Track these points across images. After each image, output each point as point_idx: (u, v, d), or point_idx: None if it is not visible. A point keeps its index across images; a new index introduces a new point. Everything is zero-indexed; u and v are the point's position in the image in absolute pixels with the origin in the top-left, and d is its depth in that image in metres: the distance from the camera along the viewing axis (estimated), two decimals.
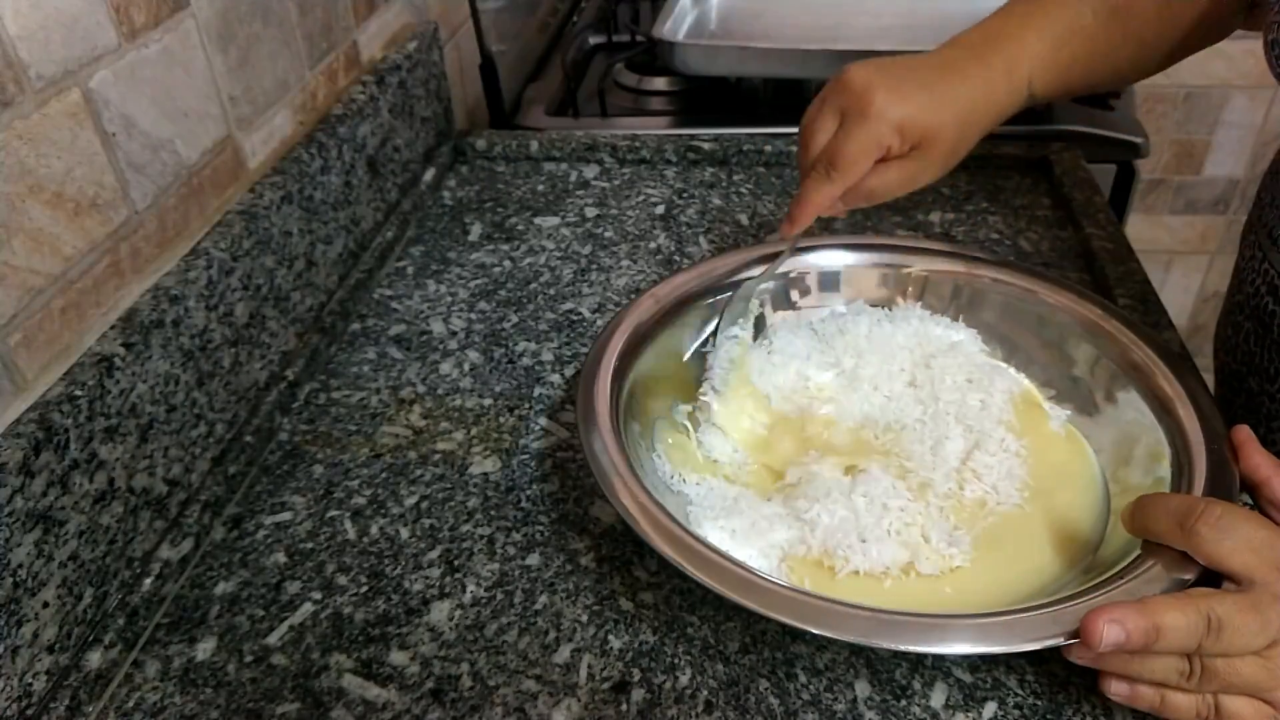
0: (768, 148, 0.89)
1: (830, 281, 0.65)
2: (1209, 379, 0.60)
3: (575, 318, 0.71)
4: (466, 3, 1.02)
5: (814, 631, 0.42)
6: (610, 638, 0.49)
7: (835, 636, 0.42)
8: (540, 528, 0.55)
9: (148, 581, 0.51)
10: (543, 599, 0.51)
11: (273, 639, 0.49)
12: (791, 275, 0.64)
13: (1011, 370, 0.60)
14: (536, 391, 0.65)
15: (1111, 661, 0.41)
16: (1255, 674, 0.39)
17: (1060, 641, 0.41)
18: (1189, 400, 0.51)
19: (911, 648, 0.42)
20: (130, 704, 0.47)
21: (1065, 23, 0.58)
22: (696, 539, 0.45)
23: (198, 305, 0.56)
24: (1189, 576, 0.42)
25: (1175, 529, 0.42)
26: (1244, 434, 0.48)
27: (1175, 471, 0.49)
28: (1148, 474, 0.51)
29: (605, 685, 0.47)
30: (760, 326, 0.63)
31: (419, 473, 0.59)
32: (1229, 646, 0.39)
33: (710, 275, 0.63)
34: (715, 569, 0.44)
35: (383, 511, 0.56)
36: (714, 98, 1.06)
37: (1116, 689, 0.41)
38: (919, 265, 0.64)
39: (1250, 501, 0.48)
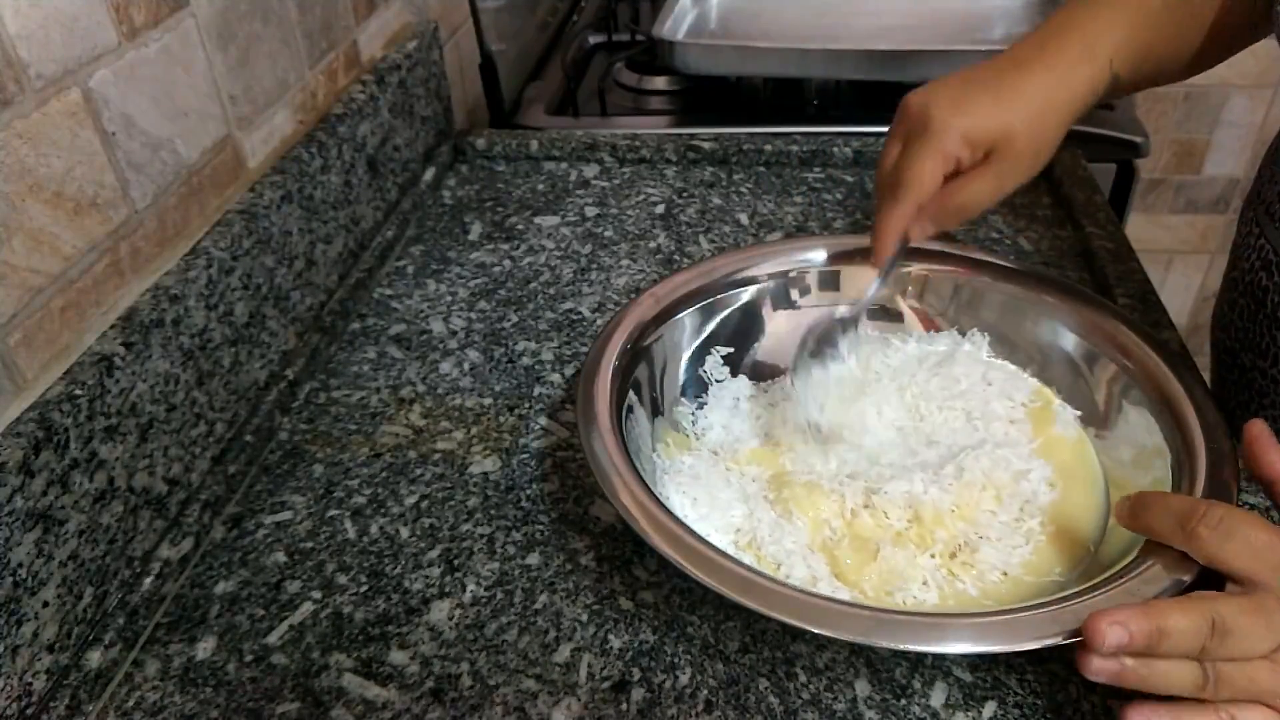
0: (768, 147, 0.89)
1: (830, 281, 0.65)
2: (1207, 376, 0.60)
3: (575, 317, 0.71)
4: (466, 2, 1.02)
5: (814, 631, 0.42)
6: (610, 637, 0.49)
7: (835, 636, 0.42)
8: (540, 527, 0.55)
9: (148, 581, 0.51)
10: (543, 598, 0.51)
11: (273, 638, 0.49)
12: (791, 275, 0.64)
13: (1026, 374, 0.60)
14: (536, 391, 0.65)
15: (1129, 677, 0.40)
16: (1268, 679, 0.39)
17: (1060, 640, 0.41)
18: (1189, 399, 0.51)
19: (911, 647, 0.42)
20: (130, 703, 0.47)
21: (1136, 4, 0.57)
22: (697, 538, 0.45)
23: (198, 305, 0.56)
24: (1188, 577, 0.42)
25: (1176, 530, 0.42)
26: (1258, 429, 0.47)
27: (1175, 470, 0.49)
28: (1147, 473, 0.51)
29: (605, 685, 0.47)
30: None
31: (419, 472, 0.59)
32: (1235, 650, 0.39)
33: (710, 275, 0.63)
34: (715, 569, 0.44)
35: (383, 511, 0.56)
36: (714, 97, 1.06)
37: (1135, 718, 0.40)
38: (919, 265, 0.64)
39: (1248, 501, 0.48)
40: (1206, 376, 0.56)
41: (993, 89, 0.55)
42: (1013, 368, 0.60)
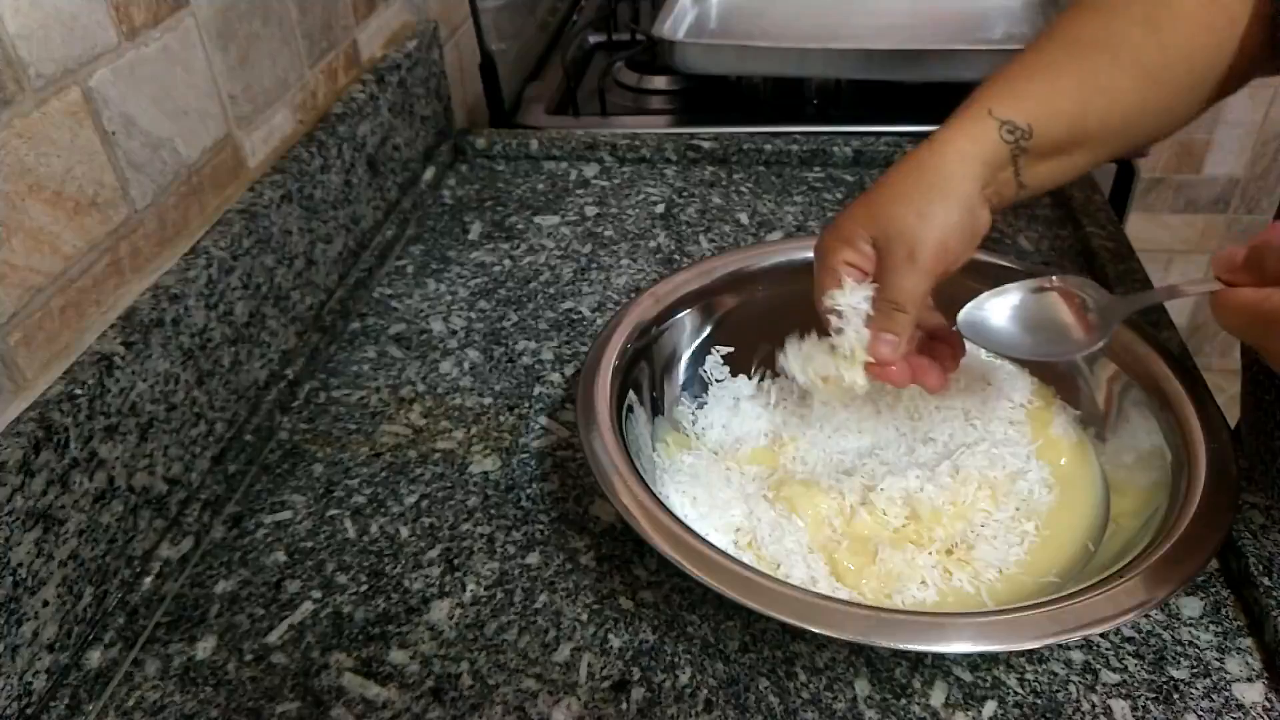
0: (768, 146, 0.89)
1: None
2: (1209, 377, 0.60)
3: (575, 316, 0.71)
4: (466, 2, 1.02)
5: (814, 630, 0.42)
6: (610, 636, 0.49)
7: (835, 635, 0.42)
8: (540, 526, 0.55)
9: (148, 580, 0.51)
10: (542, 598, 0.51)
11: (272, 638, 0.49)
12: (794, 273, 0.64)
13: (1025, 373, 0.60)
14: (536, 390, 0.65)
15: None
16: None
17: (1059, 640, 0.41)
18: (1189, 398, 0.51)
19: (911, 646, 0.42)
20: (130, 703, 0.47)
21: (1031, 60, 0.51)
22: (697, 538, 0.45)
23: (197, 304, 0.56)
24: (1188, 578, 0.42)
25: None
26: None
27: (1175, 470, 0.49)
28: (1148, 474, 0.51)
29: (605, 684, 0.47)
30: None
31: (419, 472, 0.59)
32: None
33: (710, 275, 0.63)
34: (715, 568, 0.44)
35: (383, 510, 0.56)
36: (714, 97, 1.06)
37: None
38: None
39: (1248, 500, 0.48)
40: (1206, 377, 0.55)
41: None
42: (1012, 367, 0.60)
